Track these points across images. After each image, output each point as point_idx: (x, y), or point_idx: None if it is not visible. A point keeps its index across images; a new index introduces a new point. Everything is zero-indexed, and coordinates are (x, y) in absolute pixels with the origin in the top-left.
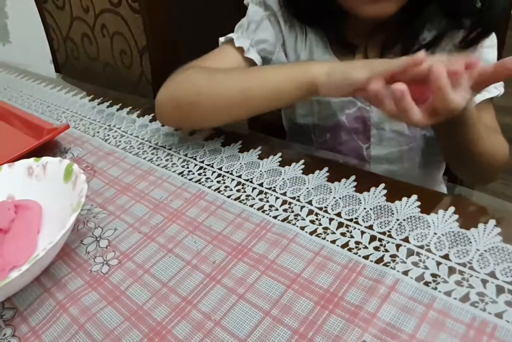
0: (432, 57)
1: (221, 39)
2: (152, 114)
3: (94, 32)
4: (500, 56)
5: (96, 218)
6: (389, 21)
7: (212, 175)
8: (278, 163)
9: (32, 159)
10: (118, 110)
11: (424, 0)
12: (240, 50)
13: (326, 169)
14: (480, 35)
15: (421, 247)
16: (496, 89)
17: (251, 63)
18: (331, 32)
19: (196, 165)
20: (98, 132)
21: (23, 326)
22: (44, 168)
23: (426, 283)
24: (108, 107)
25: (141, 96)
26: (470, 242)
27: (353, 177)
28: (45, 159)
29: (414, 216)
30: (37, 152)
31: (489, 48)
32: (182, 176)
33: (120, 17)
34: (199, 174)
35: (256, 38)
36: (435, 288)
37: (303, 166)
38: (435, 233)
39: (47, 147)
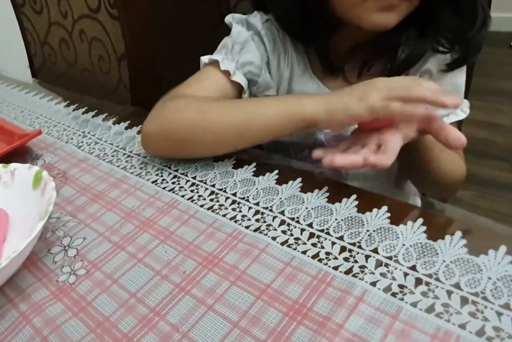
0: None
1: (204, 60)
2: (128, 122)
3: (72, 37)
4: (469, 79)
5: (65, 226)
6: (367, 41)
7: (186, 184)
8: (253, 173)
9: (0, 165)
10: (93, 116)
11: (405, 21)
12: (226, 73)
13: (299, 179)
14: (459, 60)
15: (390, 258)
16: (462, 113)
17: (237, 86)
18: (314, 49)
19: (170, 173)
20: (71, 138)
21: None
22: (13, 174)
23: (393, 294)
24: (83, 113)
25: (119, 103)
26: (437, 254)
27: (325, 188)
28: (13, 165)
29: (383, 227)
30: (7, 158)
31: (459, 71)
32: (155, 184)
33: (99, 23)
34: (173, 183)
35: (242, 60)
36: (402, 299)
37: (276, 176)
38: (404, 244)
39: (18, 153)
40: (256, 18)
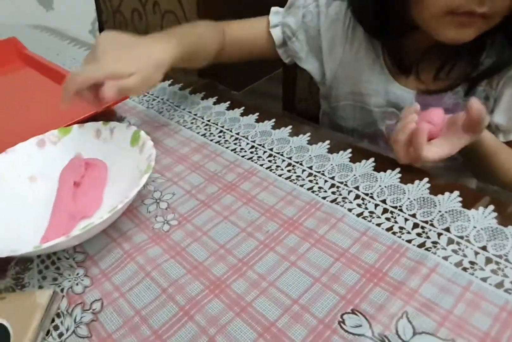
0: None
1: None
2: (204, 92)
3: (146, 8)
4: None
5: (155, 182)
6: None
7: (263, 154)
8: (327, 150)
9: (100, 122)
10: (169, 85)
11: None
12: (269, 23)
13: (372, 159)
14: None
15: (461, 237)
16: None
17: (270, 38)
18: (388, 44)
19: (247, 143)
20: (152, 104)
21: (94, 268)
22: (112, 132)
23: (464, 269)
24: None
25: (186, 73)
26: (507, 238)
27: (398, 169)
28: (113, 123)
29: (455, 210)
30: (94, 119)
31: None
32: (234, 152)
33: None
34: (251, 153)
35: (284, 20)
36: (472, 274)
37: (350, 155)
38: (475, 227)
39: (104, 114)
40: None
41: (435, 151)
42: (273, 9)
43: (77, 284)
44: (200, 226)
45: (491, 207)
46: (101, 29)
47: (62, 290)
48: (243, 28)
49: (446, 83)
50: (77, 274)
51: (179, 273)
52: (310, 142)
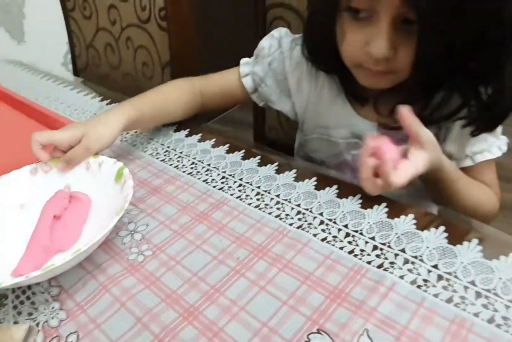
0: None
1: (241, 61)
2: (176, 125)
3: (119, 43)
4: None
5: (129, 214)
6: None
7: (233, 184)
8: (293, 179)
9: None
10: None
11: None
12: (239, 74)
13: (335, 186)
14: (481, 128)
15: (415, 257)
16: (499, 150)
17: (243, 87)
18: (341, 82)
19: (218, 174)
20: (125, 137)
21: (69, 301)
22: (100, 166)
23: (419, 286)
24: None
25: None
26: (456, 256)
27: (359, 195)
28: (102, 158)
29: (410, 232)
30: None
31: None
32: (206, 183)
33: (147, 33)
34: (222, 183)
35: (254, 69)
36: (425, 291)
37: (315, 183)
38: (427, 247)
39: None
40: (288, 40)
41: (402, 174)
42: (243, 60)
43: (52, 317)
44: (174, 255)
45: (442, 227)
46: (74, 63)
47: (37, 325)
48: (216, 83)
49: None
50: (53, 308)
51: (153, 302)
52: (277, 172)
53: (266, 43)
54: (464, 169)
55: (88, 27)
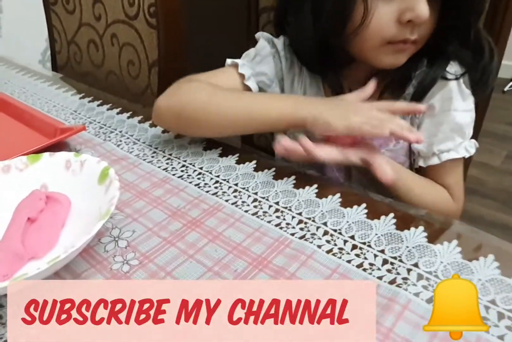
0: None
1: (228, 62)
2: None
3: (103, 40)
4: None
5: (113, 219)
6: (381, 72)
7: (228, 189)
8: (293, 185)
9: (72, 153)
10: (128, 117)
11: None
12: (242, 76)
13: (338, 195)
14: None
15: (430, 272)
16: (466, 151)
17: (247, 90)
18: (328, 78)
19: (211, 178)
20: (109, 137)
21: None
22: (82, 165)
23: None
24: (118, 113)
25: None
26: (473, 272)
27: (364, 205)
28: (84, 156)
29: (422, 245)
30: (47, 151)
31: (464, 112)
32: (198, 187)
33: (134, 29)
34: (215, 188)
35: (258, 70)
36: None
37: (316, 190)
38: (442, 262)
39: (56, 147)
40: (280, 41)
41: (327, 149)
42: (236, 61)
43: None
44: (163, 265)
45: (455, 241)
46: (53, 60)
47: None
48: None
49: None
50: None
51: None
52: (275, 177)
53: (265, 43)
54: (430, 168)
55: (70, 22)
